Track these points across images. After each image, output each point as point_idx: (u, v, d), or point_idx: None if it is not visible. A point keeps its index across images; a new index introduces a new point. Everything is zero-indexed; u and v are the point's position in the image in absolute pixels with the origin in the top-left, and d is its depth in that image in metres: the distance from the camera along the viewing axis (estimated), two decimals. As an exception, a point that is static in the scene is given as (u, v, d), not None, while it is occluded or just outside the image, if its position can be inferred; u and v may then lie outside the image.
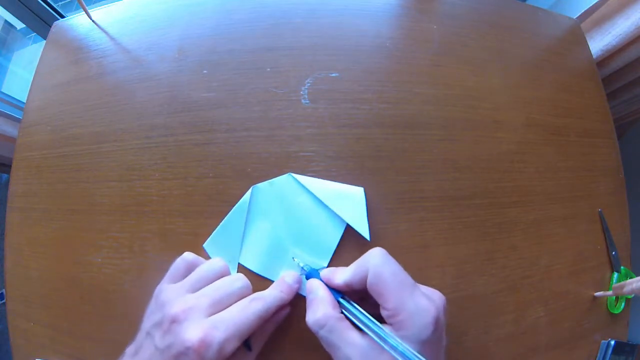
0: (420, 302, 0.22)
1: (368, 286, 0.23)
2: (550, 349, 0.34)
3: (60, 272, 0.34)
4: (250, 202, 0.31)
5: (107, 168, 0.34)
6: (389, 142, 0.34)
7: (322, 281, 0.27)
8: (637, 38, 0.45)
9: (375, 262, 0.24)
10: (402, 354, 0.20)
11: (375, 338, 0.22)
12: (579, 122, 0.41)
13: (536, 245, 0.35)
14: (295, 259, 0.30)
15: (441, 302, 0.24)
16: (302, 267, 0.29)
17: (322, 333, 0.23)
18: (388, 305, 0.22)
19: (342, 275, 0.25)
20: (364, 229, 0.30)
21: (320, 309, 0.24)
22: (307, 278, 0.28)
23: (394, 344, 0.21)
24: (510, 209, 0.35)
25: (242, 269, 0.30)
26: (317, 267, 0.29)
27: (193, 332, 0.22)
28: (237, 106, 0.34)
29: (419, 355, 0.20)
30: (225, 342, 0.22)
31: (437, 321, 0.22)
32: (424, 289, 0.25)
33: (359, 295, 0.26)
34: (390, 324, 0.22)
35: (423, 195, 0.33)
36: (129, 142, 0.35)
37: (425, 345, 0.21)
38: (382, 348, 0.21)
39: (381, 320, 0.23)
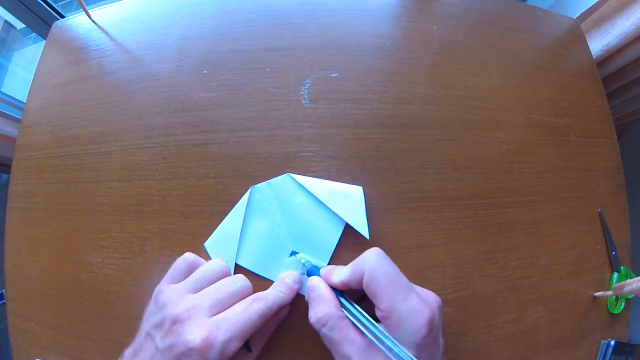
0: (413, 305, 0.22)
1: (364, 286, 0.24)
2: (550, 349, 0.34)
3: (60, 272, 0.34)
4: (248, 202, 0.31)
5: (107, 168, 0.34)
6: (389, 142, 0.34)
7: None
8: (637, 38, 0.45)
9: (371, 263, 0.24)
10: (396, 355, 0.20)
11: (372, 338, 0.22)
12: (579, 122, 0.41)
13: (536, 245, 0.35)
14: (298, 255, 0.30)
15: (436, 304, 0.24)
16: (304, 264, 0.29)
17: (323, 331, 0.23)
18: (381, 306, 0.22)
19: (339, 275, 0.26)
20: (363, 228, 0.30)
21: (322, 307, 0.24)
22: (309, 275, 0.28)
23: (390, 345, 0.21)
24: (510, 209, 0.35)
25: (241, 269, 0.30)
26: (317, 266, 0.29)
27: (195, 332, 0.22)
28: (237, 106, 0.34)
29: (414, 358, 0.20)
30: (228, 342, 0.22)
31: (430, 324, 0.22)
32: (420, 290, 0.25)
33: (359, 294, 0.26)
34: (385, 325, 0.22)
35: (423, 195, 0.33)
36: (129, 142, 0.35)
37: (419, 347, 0.21)
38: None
39: (379, 320, 0.23)
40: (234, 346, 0.23)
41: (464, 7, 0.41)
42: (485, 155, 0.35)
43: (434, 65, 0.37)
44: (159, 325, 0.24)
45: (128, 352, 0.26)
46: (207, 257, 0.31)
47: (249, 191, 0.31)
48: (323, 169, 0.32)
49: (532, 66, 0.41)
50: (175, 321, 0.23)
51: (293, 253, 0.30)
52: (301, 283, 0.29)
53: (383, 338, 0.21)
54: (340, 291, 0.26)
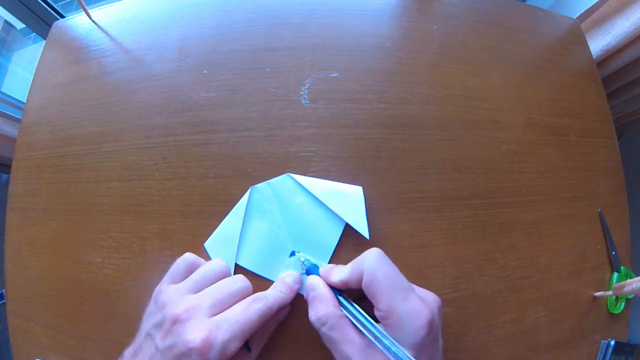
0: (413, 306, 0.22)
1: (363, 287, 0.24)
2: (550, 349, 0.34)
3: (60, 272, 0.34)
4: (248, 203, 0.31)
5: (107, 168, 0.34)
6: (389, 142, 0.34)
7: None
8: (637, 38, 0.45)
9: (370, 264, 0.24)
10: (394, 355, 0.20)
11: (371, 337, 0.22)
12: (579, 122, 0.41)
13: (536, 245, 0.35)
14: (297, 253, 0.30)
15: (436, 304, 0.24)
16: (303, 262, 0.29)
17: (323, 330, 0.23)
18: (381, 307, 0.22)
19: (338, 274, 0.26)
20: (363, 228, 0.30)
21: (322, 306, 0.24)
22: (308, 274, 0.28)
23: (388, 345, 0.21)
24: (510, 209, 0.35)
25: (241, 269, 0.30)
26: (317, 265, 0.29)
27: (196, 333, 0.22)
28: (237, 106, 0.34)
29: (412, 358, 0.20)
30: (228, 342, 0.22)
31: (430, 324, 0.22)
32: (419, 290, 0.25)
33: (358, 293, 0.26)
34: (384, 326, 0.22)
35: (423, 195, 0.33)
36: (129, 142, 0.35)
37: (418, 348, 0.21)
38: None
39: (378, 320, 0.23)
40: (234, 346, 0.23)
41: (464, 7, 0.41)
42: (485, 155, 0.35)
43: (434, 65, 0.37)
44: (159, 325, 0.24)
45: (128, 352, 0.26)
46: (207, 257, 0.31)
47: (248, 191, 0.31)
48: (323, 169, 0.32)
49: (532, 66, 0.41)
50: (175, 321, 0.23)
51: (293, 253, 0.30)
52: (301, 283, 0.29)
53: (382, 338, 0.21)
54: (339, 290, 0.26)
